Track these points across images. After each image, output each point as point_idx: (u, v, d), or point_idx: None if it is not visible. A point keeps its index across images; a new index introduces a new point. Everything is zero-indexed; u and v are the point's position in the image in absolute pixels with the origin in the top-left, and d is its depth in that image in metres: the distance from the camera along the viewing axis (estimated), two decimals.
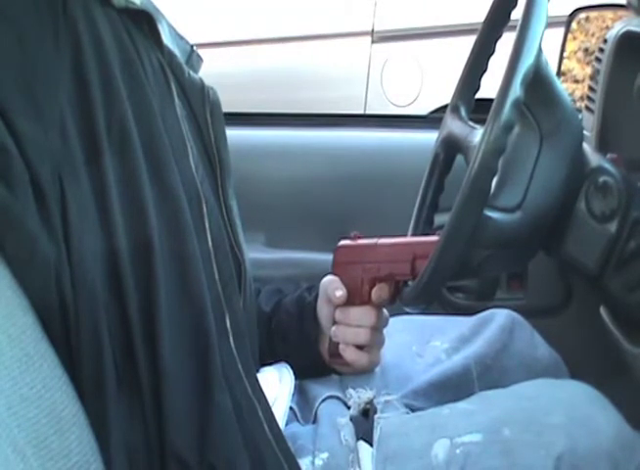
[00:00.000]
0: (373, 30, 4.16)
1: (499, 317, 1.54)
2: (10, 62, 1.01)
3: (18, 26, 1.03)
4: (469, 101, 1.50)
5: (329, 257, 1.45)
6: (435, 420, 1.31)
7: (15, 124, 0.99)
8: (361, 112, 4.04)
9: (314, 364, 1.46)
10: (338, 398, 1.40)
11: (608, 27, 1.85)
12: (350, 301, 1.40)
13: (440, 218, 1.43)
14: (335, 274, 1.43)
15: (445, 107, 1.52)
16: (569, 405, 1.29)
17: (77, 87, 1.07)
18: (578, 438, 1.24)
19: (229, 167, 1.35)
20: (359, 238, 1.44)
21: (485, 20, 1.46)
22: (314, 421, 1.37)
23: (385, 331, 1.43)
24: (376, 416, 1.33)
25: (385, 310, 1.42)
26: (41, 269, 1.03)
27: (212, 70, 1.58)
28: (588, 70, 1.91)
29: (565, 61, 2.11)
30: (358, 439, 1.29)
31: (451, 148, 1.47)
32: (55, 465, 0.99)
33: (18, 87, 1.01)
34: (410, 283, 1.34)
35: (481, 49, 1.48)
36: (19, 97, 1.00)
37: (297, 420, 1.40)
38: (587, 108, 1.79)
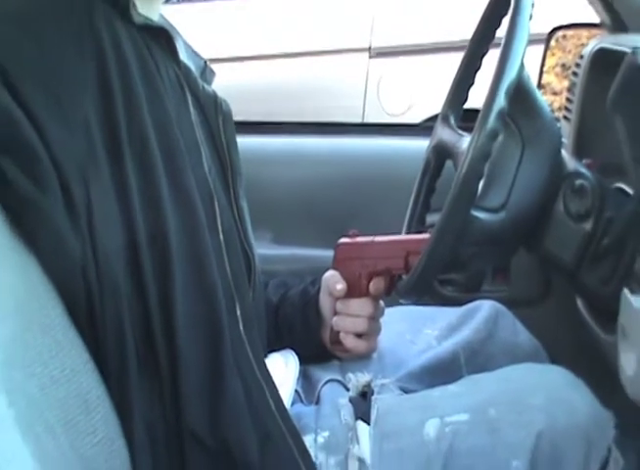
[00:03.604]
0: (370, 47, 4.16)
1: (485, 308, 1.54)
2: (41, 74, 1.01)
3: (47, 38, 1.03)
4: (457, 111, 1.50)
5: (330, 253, 1.45)
6: (427, 401, 1.31)
7: (43, 128, 0.98)
8: (359, 120, 4.04)
9: (317, 351, 1.47)
10: (338, 381, 1.40)
11: (583, 45, 1.84)
12: (350, 293, 1.40)
13: (432, 218, 1.43)
14: (335, 269, 1.43)
15: (436, 116, 1.52)
16: (548, 388, 1.29)
17: (101, 94, 1.07)
18: (557, 417, 1.24)
19: (239, 171, 1.35)
20: (358, 236, 1.44)
21: (472, 38, 1.46)
22: (317, 402, 1.37)
23: (381, 320, 1.43)
24: (373, 398, 1.33)
25: (381, 302, 1.42)
26: (69, 264, 1.04)
27: (227, 82, 1.59)
28: (565, 84, 1.90)
29: (544, 75, 2.10)
30: (357, 418, 1.29)
31: (441, 154, 1.47)
32: (82, 442, 0.99)
33: (46, 93, 1.00)
34: (404, 277, 1.34)
35: (469, 64, 1.48)
36: (46, 102, 1.00)
37: (302, 401, 1.40)
38: (565, 117, 1.79)
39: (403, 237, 1.47)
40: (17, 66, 0.99)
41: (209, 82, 1.37)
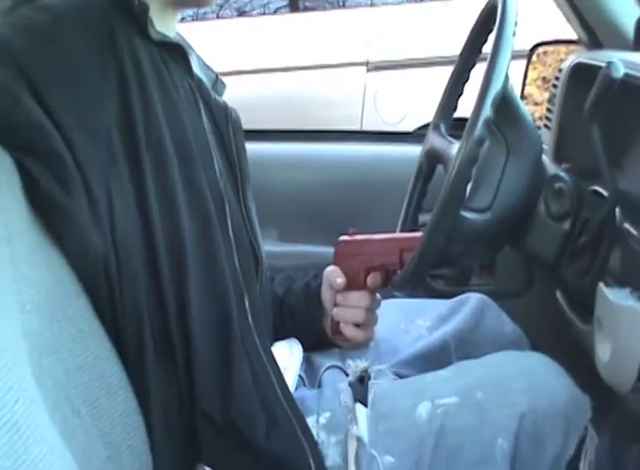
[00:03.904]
0: (368, 61, 4.17)
1: (472, 300, 1.54)
2: (66, 87, 1.02)
3: (72, 57, 1.04)
4: (448, 120, 1.50)
5: (331, 250, 1.45)
6: (420, 385, 1.31)
7: (71, 139, 1.00)
8: (358, 128, 4.04)
9: (319, 339, 1.46)
10: (338, 367, 1.40)
11: (562, 60, 1.84)
12: (349, 286, 1.40)
13: (424, 218, 1.43)
14: (336, 264, 1.43)
15: (428, 125, 1.52)
16: (530, 373, 1.29)
17: (121, 105, 1.08)
18: (538, 399, 1.24)
19: (248, 175, 1.35)
20: (356, 234, 1.44)
21: (461, 53, 1.46)
22: (319, 386, 1.37)
23: (377, 312, 1.43)
24: (370, 382, 1.33)
25: (377, 294, 1.42)
26: (92, 260, 1.05)
27: (237, 94, 1.59)
28: (546, 95, 1.90)
29: (527, 87, 2.10)
30: (355, 401, 1.29)
31: (433, 159, 1.47)
32: (105, 422, 1.00)
33: (71, 104, 1.02)
34: (399, 271, 1.34)
35: (458, 77, 1.48)
36: (73, 115, 1.02)
37: (305, 385, 1.40)
38: (545, 126, 1.79)
39: (398, 235, 1.47)
40: (45, 79, 1.00)
41: (220, 93, 1.38)
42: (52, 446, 0.83)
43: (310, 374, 1.42)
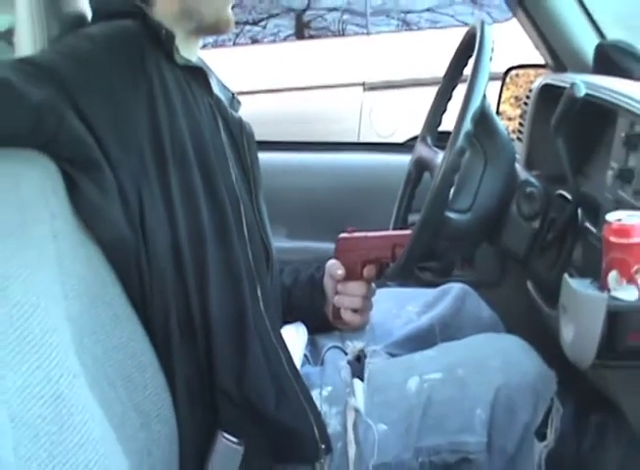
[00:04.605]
0: (364, 82, 4.17)
1: (455, 289, 1.54)
2: (105, 106, 1.04)
3: (110, 80, 1.05)
4: (433, 133, 1.49)
5: (332, 245, 1.45)
6: (409, 363, 1.32)
7: (108, 151, 1.02)
8: (355, 140, 4.04)
9: (321, 323, 1.46)
10: (339, 347, 1.40)
11: (532, 81, 1.83)
12: (348, 277, 1.40)
13: (413, 218, 1.43)
14: (336, 258, 1.43)
15: (417, 137, 1.52)
16: (505, 352, 1.30)
17: (151, 123, 1.09)
18: (512, 376, 1.25)
19: (260, 181, 1.35)
20: (354, 232, 1.44)
21: (445, 74, 1.46)
22: (321, 364, 1.37)
23: (372, 299, 1.43)
24: (366, 360, 1.33)
25: (373, 284, 1.42)
26: (125, 255, 1.06)
27: (252, 110, 1.59)
28: (518, 112, 1.90)
29: (501, 104, 2.10)
30: (353, 377, 1.29)
31: (421, 167, 1.47)
32: (137, 394, 1.00)
33: (110, 124, 1.03)
34: (391, 264, 1.34)
35: (442, 95, 1.48)
36: (111, 131, 1.03)
37: (309, 363, 1.40)
38: (518, 138, 1.79)
39: (390, 233, 1.47)
40: (86, 99, 1.02)
41: (236, 110, 1.38)
42: (92, 414, 0.84)
43: (314, 353, 1.42)
